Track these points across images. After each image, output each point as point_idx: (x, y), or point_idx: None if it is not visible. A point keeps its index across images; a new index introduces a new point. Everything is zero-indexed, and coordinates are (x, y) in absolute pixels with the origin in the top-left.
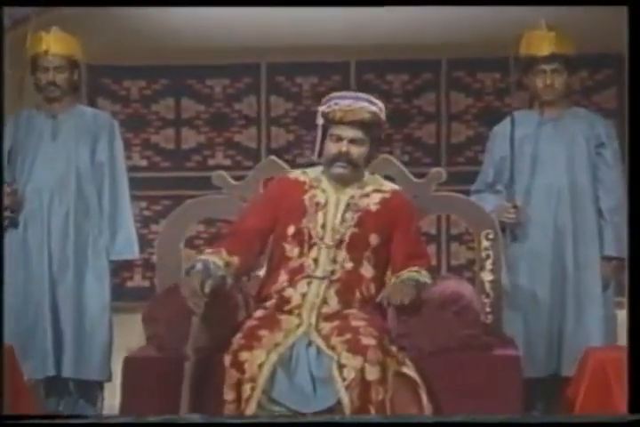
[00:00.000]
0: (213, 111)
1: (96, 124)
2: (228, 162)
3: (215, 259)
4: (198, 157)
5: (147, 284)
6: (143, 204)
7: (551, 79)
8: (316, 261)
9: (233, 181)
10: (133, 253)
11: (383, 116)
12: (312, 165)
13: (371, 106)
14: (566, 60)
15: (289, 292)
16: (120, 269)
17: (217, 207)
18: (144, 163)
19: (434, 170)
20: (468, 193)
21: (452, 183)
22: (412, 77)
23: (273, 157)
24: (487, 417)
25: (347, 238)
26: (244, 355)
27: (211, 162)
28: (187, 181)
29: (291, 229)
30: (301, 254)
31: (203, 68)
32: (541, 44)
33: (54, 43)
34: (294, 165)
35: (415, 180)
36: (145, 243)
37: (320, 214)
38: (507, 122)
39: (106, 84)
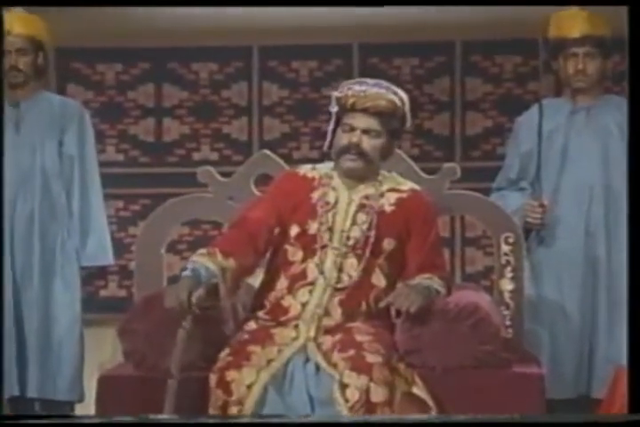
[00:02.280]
0: (199, 99)
1: (64, 113)
2: (215, 156)
3: (208, 263)
4: (182, 150)
5: (123, 293)
6: (119, 203)
7: (583, 64)
8: (320, 266)
9: (221, 178)
10: (107, 258)
11: (406, 108)
12: (317, 161)
13: (389, 94)
14: (600, 43)
15: (288, 300)
16: (93, 276)
17: (203, 207)
18: (120, 157)
19: (447, 165)
20: (485, 191)
21: (468, 180)
22: (423, 61)
23: (266, 151)
24: (490, 417)
25: (357, 243)
26: (231, 374)
27: (196, 156)
28: (169, 178)
29: (294, 230)
30: (305, 259)
31: (187, 50)
32: (572, 24)
33: (15, 22)
34: (290, 160)
35: (426, 176)
36: (121, 247)
37: (329, 215)
38: (534, 111)
39: (77, 68)
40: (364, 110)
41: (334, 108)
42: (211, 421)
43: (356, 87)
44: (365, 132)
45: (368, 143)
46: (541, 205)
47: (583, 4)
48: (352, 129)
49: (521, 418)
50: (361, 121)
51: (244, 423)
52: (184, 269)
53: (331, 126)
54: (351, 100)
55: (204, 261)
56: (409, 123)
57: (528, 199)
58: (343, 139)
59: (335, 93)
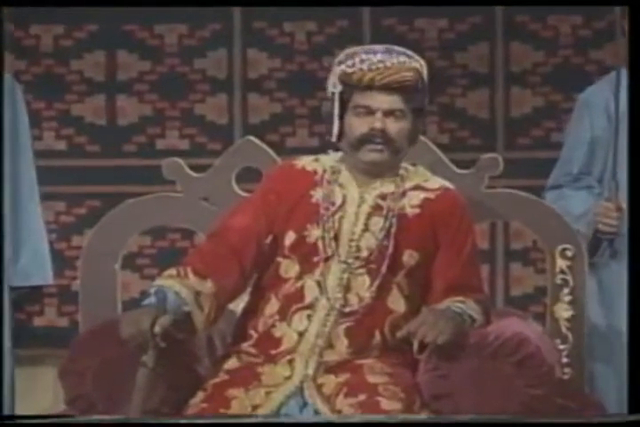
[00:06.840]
0: (164, 71)
1: None
2: (185, 144)
3: (179, 287)
4: (142, 137)
5: (64, 322)
6: (60, 206)
7: None
8: (322, 285)
9: (192, 173)
10: (44, 276)
11: (425, 76)
12: (317, 150)
13: (411, 61)
14: None
15: (280, 329)
16: (24, 300)
17: (169, 210)
18: (61, 145)
19: (486, 156)
20: (535, 190)
21: (513, 175)
22: (454, 23)
23: (251, 138)
24: (490, 417)
25: (370, 255)
26: None
27: (160, 144)
28: (125, 173)
29: (290, 238)
30: (302, 275)
31: (149, 9)
32: None
33: None
34: (282, 149)
35: (458, 171)
36: (62, 262)
37: (334, 219)
38: (604, 85)
39: (5, 30)
40: (384, 87)
41: (338, 88)
42: (210, 421)
43: (371, 58)
44: (388, 113)
45: (394, 128)
46: (618, 209)
47: (583, 4)
48: (370, 112)
49: (521, 418)
50: (381, 100)
51: (242, 424)
52: (145, 294)
53: (335, 110)
54: (369, 76)
55: (172, 285)
56: (427, 98)
57: (598, 200)
58: (361, 126)
59: (342, 68)
